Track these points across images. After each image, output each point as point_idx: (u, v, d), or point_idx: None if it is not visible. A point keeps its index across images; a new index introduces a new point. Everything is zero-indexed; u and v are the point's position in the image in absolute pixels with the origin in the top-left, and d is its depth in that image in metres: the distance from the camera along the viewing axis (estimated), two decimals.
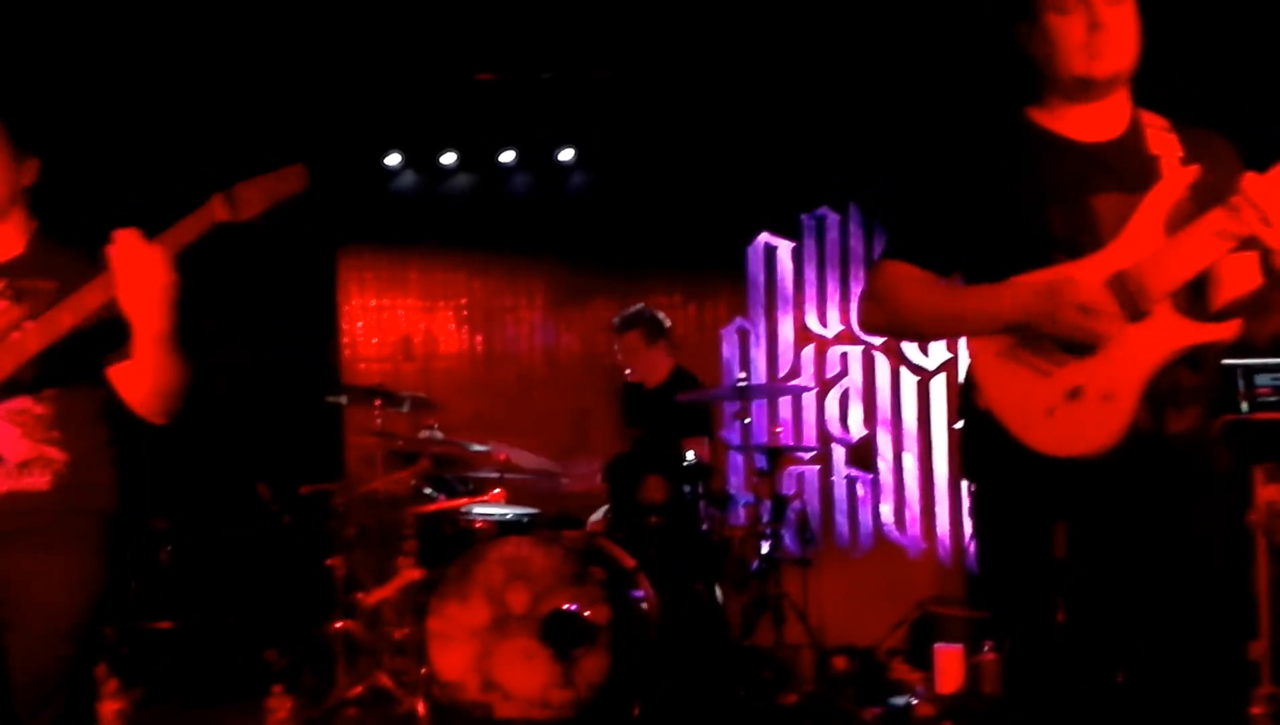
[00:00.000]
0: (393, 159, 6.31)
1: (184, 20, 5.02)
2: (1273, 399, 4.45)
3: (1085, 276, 2.23)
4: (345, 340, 6.35)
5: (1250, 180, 2.15)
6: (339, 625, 4.55)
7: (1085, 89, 2.32)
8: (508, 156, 6.29)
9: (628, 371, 5.47)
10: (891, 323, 2.52)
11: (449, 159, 6.31)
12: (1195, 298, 2.27)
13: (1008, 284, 2.28)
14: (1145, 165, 2.28)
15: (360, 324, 6.39)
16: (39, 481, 2.39)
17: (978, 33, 4.92)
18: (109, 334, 2.37)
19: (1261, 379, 4.47)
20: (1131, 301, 2.21)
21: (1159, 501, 2.24)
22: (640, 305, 5.49)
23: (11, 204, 2.51)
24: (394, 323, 6.39)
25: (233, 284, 5.87)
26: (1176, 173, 2.27)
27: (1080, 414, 2.21)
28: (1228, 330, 2.23)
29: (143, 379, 2.39)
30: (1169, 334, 2.21)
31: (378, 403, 5.01)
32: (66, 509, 2.40)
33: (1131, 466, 2.20)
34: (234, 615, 4.73)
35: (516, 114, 6.10)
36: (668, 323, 5.48)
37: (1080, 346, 2.23)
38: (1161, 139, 2.32)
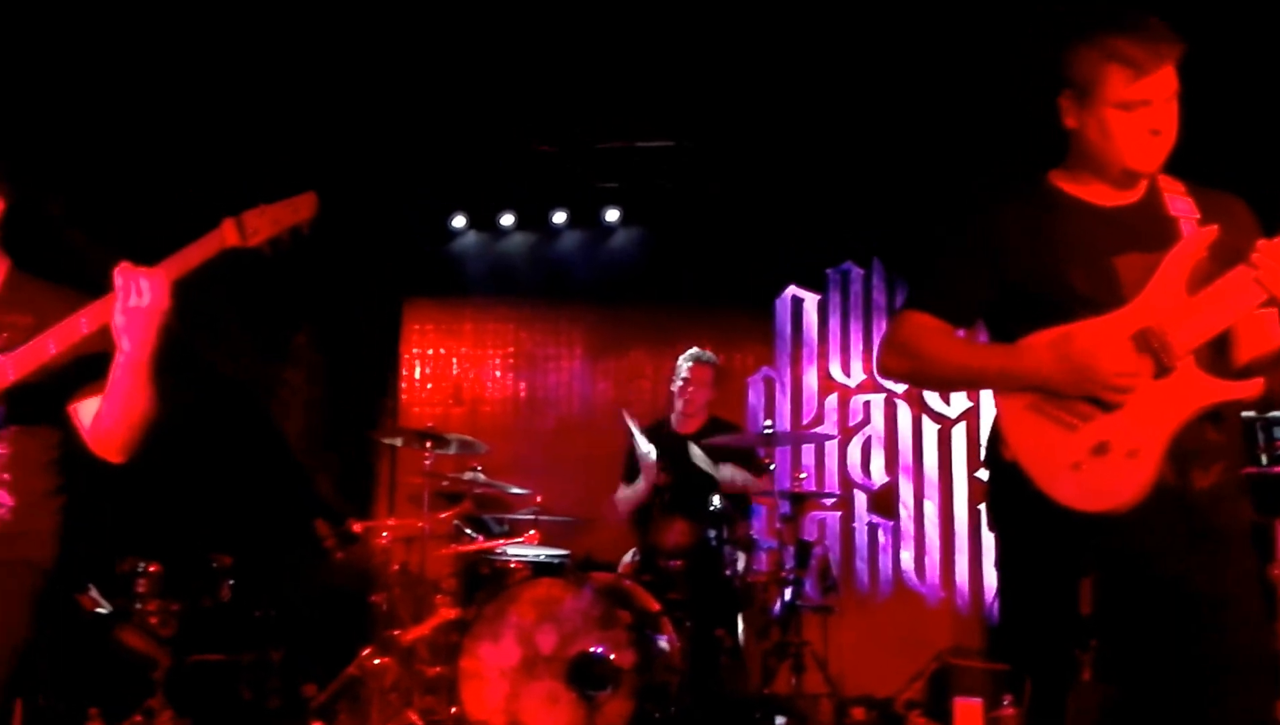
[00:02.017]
0: (458, 220, 6.33)
1: (273, 90, 5.01)
2: None
3: (1108, 334, 2.08)
4: (403, 385, 6.28)
5: (1263, 245, 2.03)
6: (375, 662, 4.38)
7: (1129, 179, 2.20)
8: (560, 217, 6.24)
9: (683, 402, 5.13)
10: (911, 372, 2.36)
11: (507, 220, 6.31)
12: (1218, 355, 2.12)
13: (1024, 346, 2.14)
14: (1165, 226, 2.15)
15: (418, 370, 6.32)
16: None
17: (1005, 96, 4.84)
18: (80, 373, 2.19)
19: None
20: (1156, 358, 2.07)
21: (1184, 558, 2.08)
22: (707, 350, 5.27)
23: None
24: (447, 369, 6.31)
25: (307, 331, 5.86)
26: (1196, 233, 2.13)
27: (1106, 469, 2.07)
28: (1251, 387, 2.09)
29: (114, 409, 2.17)
30: (1193, 391, 2.08)
31: (428, 444, 4.87)
32: (3, 560, 2.17)
33: (1156, 522, 2.06)
34: (281, 649, 4.59)
35: (569, 179, 6.13)
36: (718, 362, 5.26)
37: (1105, 402, 2.09)
38: (1179, 201, 2.18)
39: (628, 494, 5.07)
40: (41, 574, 2.23)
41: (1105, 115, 2.15)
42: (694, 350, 5.21)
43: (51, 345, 2.12)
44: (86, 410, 2.25)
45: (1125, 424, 2.09)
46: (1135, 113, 2.12)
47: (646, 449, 4.87)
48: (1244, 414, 2.24)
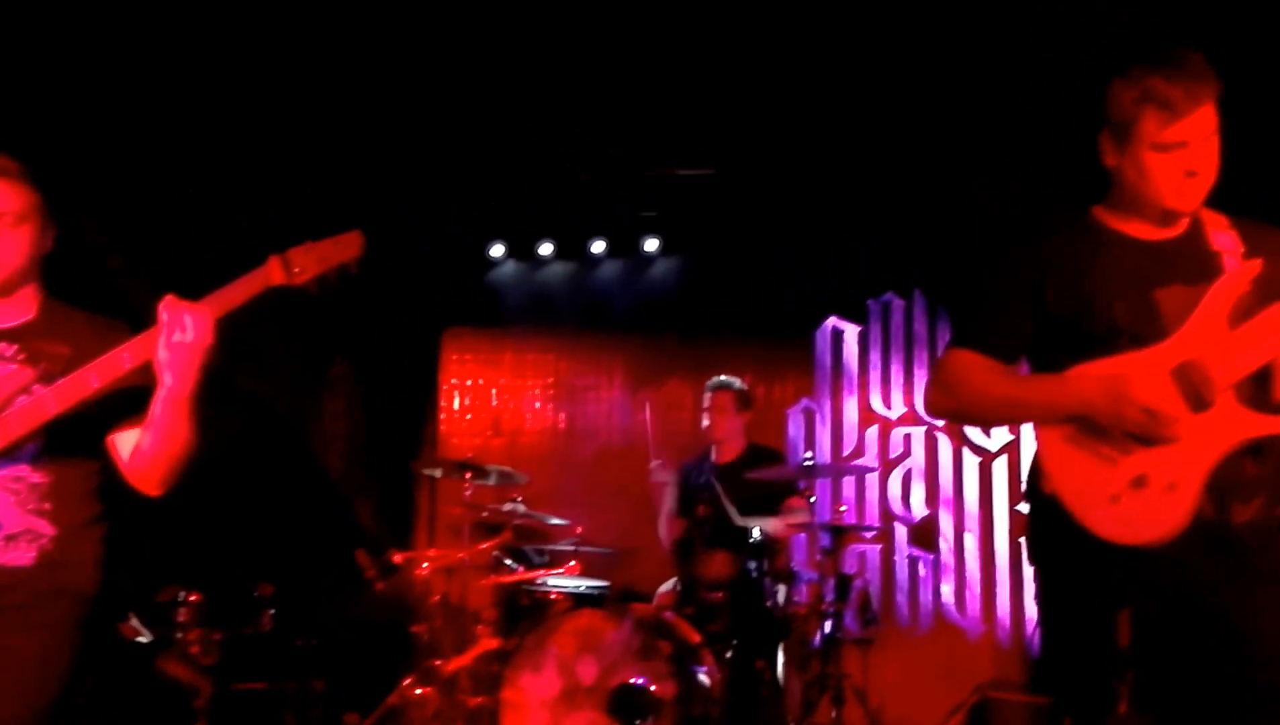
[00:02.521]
0: (496, 249, 6.30)
1: (308, 117, 5.04)
2: None
3: (1149, 368, 2.07)
4: (443, 416, 6.26)
5: None
6: (417, 692, 4.33)
7: (1169, 217, 2.19)
8: (599, 246, 6.22)
9: (706, 431, 5.09)
10: (957, 409, 2.39)
11: (546, 249, 6.28)
12: (1259, 389, 2.09)
13: (1071, 376, 2.14)
14: (1207, 260, 2.15)
15: (457, 401, 6.29)
16: (24, 557, 2.15)
17: (1049, 129, 4.79)
18: (120, 404, 2.17)
19: None
20: (1196, 392, 2.06)
21: (1222, 592, 2.06)
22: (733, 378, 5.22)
23: (32, 271, 2.30)
24: (486, 400, 6.28)
25: (346, 360, 5.87)
26: (1240, 267, 2.12)
27: (1145, 502, 2.07)
28: None
29: (154, 444, 2.16)
30: (1233, 425, 2.06)
31: (468, 475, 4.84)
32: (47, 589, 2.17)
33: (1195, 556, 2.06)
34: (323, 678, 4.55)
35: (608, 208, 6.10)
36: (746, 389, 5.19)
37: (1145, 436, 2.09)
38: (1223, 235, 2.17)
39: (661, 517, 5.05)
40: (84, 602, 2.23)
41: (1142, 156, 2.14)
42: (716, 378, 5.16)
43: (94, 379, 2.10)
44: (125, 442, 2.24)
45: (1165, 457, 2.08)
46: (1172, 154, 2.11)
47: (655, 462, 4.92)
48: None
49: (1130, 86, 2.13)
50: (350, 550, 4.97)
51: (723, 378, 5.17)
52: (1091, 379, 2.11)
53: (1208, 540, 2.06)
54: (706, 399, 5.11)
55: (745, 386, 5.19)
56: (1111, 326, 2.13)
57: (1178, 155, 2.10)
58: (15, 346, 2.24)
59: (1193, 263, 2.14)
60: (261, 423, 5.27)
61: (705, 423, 5.09)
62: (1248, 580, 2.06)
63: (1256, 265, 2.10)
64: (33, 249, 2.28)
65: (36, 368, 2.19)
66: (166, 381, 2.10)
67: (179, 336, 2.06)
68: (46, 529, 2.18)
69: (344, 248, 2.12)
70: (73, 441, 2.21)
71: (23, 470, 2.18)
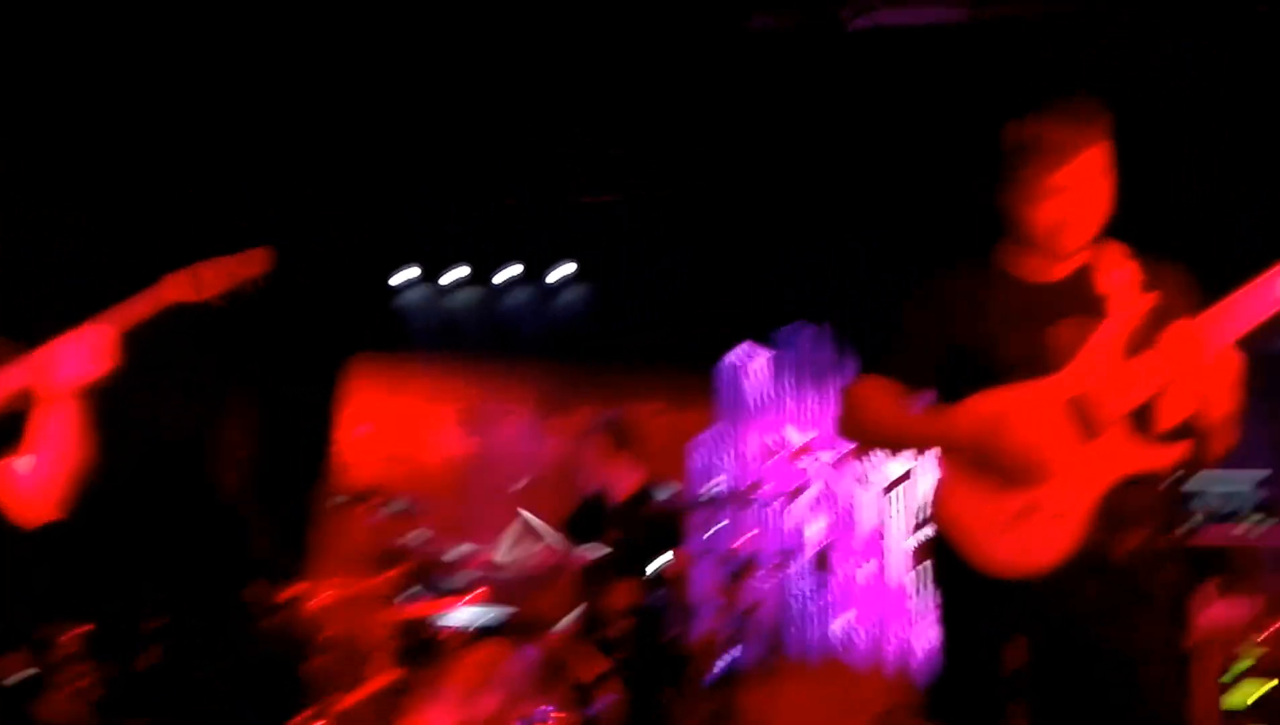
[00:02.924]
0: (404, 274, 6.18)
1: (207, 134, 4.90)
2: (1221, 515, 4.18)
3: (1042, 400, 2.13)
4: (344, 443, 6.10)
5: (1173, 329, 2.06)
6: None
7: (1056, 256, 2.25)
8: (508, 272, 6.15)
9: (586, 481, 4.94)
10: (858, 435, 2.44)
11: (455, 274, 6.19)
12: (1146, 422, 2.15)
13: (959, 410, 2.19)
14: (1095, 299, 2.20)
15: (361, 427, 6.15)
16: None
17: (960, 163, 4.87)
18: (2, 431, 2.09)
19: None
20: (1085, 423, 2.11)
21: (1107, 620, 2.11)
22: (609, 413, 5.08)
23: None
24: (391, 426, 6.15)
25: (245, 385, 5.69)
26: (1131, 302, 2.16)
27: (1032, 531, 2.12)
28: (1175, 453, 2.13)
29: (49, 467, 2.06)
30: (1120, 456, 2.12)
31: (373, 502, 4.74)
32: None
33: (1082, 585, 2.11)
34: (214, 715, 4.39)
35: (518, 233, 6.03)
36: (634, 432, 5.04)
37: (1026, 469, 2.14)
38: (1117, 271, 2.21)
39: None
40: None
41: (1027, 199, 2.20)
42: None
43: None
44: (14, 468, 2.12)
45: (1053, 487, 2.12)
46: (1055, 198, 2.16)
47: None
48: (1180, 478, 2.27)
49: (1018, 130, 2.19)
50: (245, 582, 4.82)
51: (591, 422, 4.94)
52: (974, 414, 2.16)
53: (1094, 569, 2.10)
54: (581, 450, 4.91)
55: (621, 419, 4.91)
56: (1002, 361, 2.18)
57: (1061, 199, 2.14)
58: None
59: (1083, 300, 2.19)
60: (154, 449, 5.09)
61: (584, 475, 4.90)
62: (1132, 608, 2.10)
63: (1149, 299, 2.15)
64: None
65: None
66: (58, 400, 2.03)
67: (79, 350, 2.02)
68: None
69: (250, 263, 2.14)
70: None
71: None
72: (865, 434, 2.39)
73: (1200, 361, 2.03)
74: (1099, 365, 2.13)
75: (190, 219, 4.97)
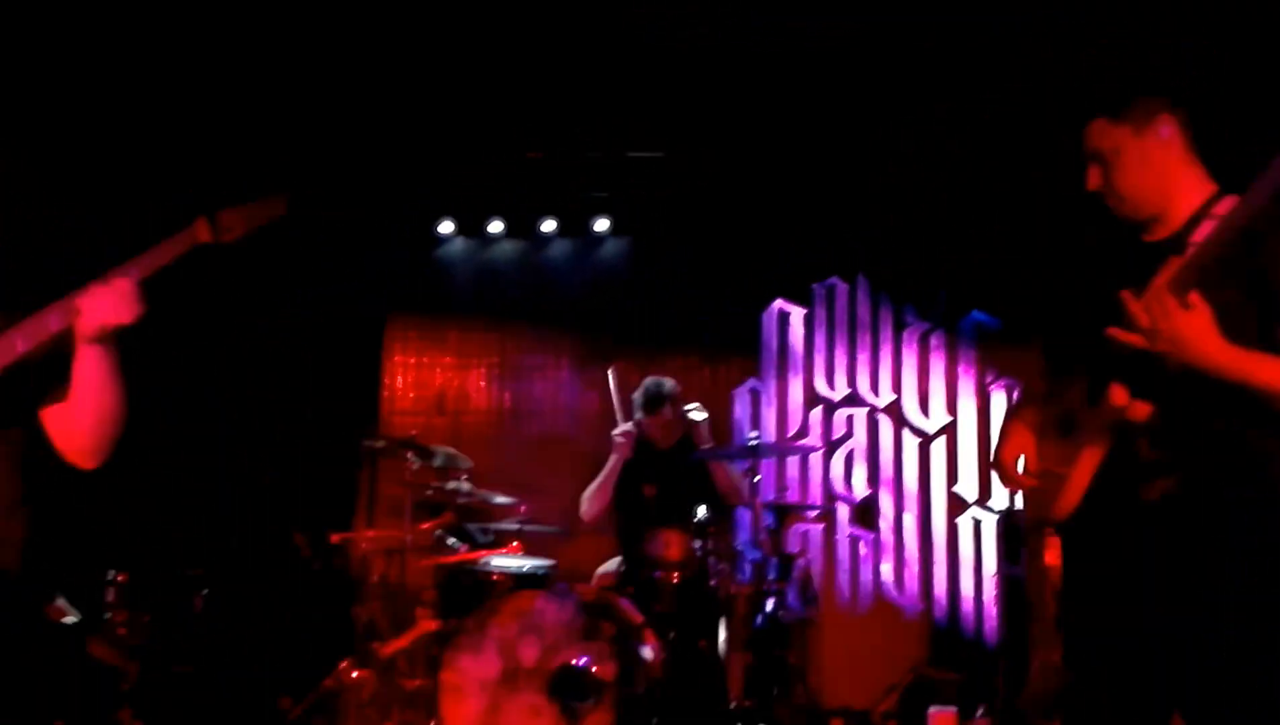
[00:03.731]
0: (445, 226, 6.09)
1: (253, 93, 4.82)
2: None
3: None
4: (385, 394, 6.05)
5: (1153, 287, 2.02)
6: (354, 675, 4.16)
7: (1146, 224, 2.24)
8: (548, 226, 6.04)
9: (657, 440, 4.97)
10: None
11: (495, 227, 6.08)
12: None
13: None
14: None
15: (400, 380, 6.10)
16: None
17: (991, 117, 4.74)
18: (48, 372, 2.06)
19: None
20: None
21: (1126, 565, 2.16)
22: (655, 381, 5.00)
23: None
24: (430, 378, 6.09)
25: (286, 338, 5.65)
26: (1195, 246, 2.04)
27: (1051, 483, 2.23)
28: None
29: (83, 413, 2.06)
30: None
31: (410, 454, 4.68)
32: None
33: (1104, 532, 2.19)
34: (257, 661, 4.37)
35: (559, 187, 5.93)
36: (678, 387, 5.04)
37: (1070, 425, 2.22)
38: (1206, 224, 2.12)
39: (594, 485, 4.89)
40: (10, 583, 2.08)
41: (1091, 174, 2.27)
42: (638, 401, 4.92)
43: (19, 343, 2.01)
44: (57, 414, 2.11)
45: (1073, 441, 2.20)
46: (1091, 170, 2.25)
47: (621, 426, 4.77)
48: None
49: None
50: (288, 530, 4.79)
51: (649, 394, 4.91)
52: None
53: (1112, 518, 2.14)
54: (646, 421, 4.91)
55: (669, 386, 4.96)
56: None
57: (1094, 171, 2.21)
58: None
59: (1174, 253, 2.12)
60: (199, 400, 5.05)
61: (666, 418, 4.91)
62: (1153, 556, 2.08)
63: (1200, 249, 2.00)
64: None
65: None
66: (91, 344, 2.02)
67: (106, 297, 2.00)
68: None
69: (271, 207, 2.15)
70: (3, 413, 2.10)
71: None
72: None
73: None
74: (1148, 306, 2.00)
75: (225, 176, 4.92)
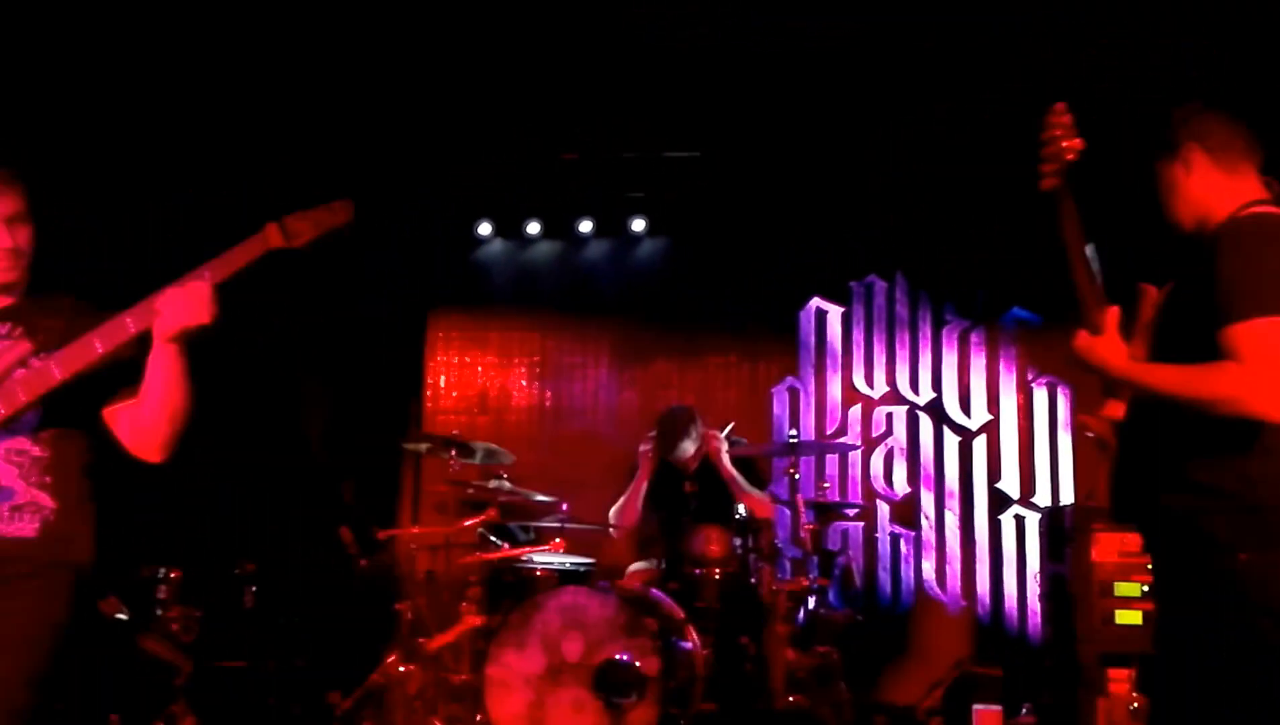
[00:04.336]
0: (484, 228, 6.12)
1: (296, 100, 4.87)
2: None
3: None
4: (428, 393, 6.09)
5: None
6: (401, 669, 4.19)
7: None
8: (585, 226, 6.05)
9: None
10: None
11: (533, 228, 6.10)
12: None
13: None
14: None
15: (443, 379, 6.13)
16: (28, 528, 2.14)
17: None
18: (111, 379, 2.18)
19: None
20: None
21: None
22: (668, 417, 4.99)
23: (27, 268, 2.29)
24: (472, 377, 6.12)
25: (329, 339, 5.69)
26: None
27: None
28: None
29: (151, 412, 2.16)
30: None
31: (453, 452, 4.70)
32: (48, 561, 2.14)
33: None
34: (305, 656, 4.40)
35: (595, 188, 5.94)
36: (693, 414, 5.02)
37: None
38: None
39: (622, 499, 4.90)
40: (80, 576, 2.19)
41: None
42: (664, 436, 4.90)
43: (98, 345, 2.11)
44: (123, 412, 2.23)
45: None
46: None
47: (644, 443, 4.84)
48: None
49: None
50: (334, 527, 4.82)
51: (670, 430, 4.90)
52: None
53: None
54: (689, 448, 4.90)
55: (685, 413, 4.98)
56: None
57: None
58: (8, 325, 2.25)
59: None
60: (246, 399, 5.10)
61: (688, 454, 4.90)
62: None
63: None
64: (29, 248, 2.29)
65: (34, 340, 2.18)
66: (167, 344, 2.11)
67: (184, 300, 2.09)
68: (48, 502, 2.17)
69: (336, 213, 2.20)
70: (69, 415, 2.21)
71: (24, 443, 2.17)
72: None
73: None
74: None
75: (275, 183, 4.96)
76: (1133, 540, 3.81)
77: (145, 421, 2.18)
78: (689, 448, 4.91)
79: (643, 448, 4.99)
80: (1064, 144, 2.34)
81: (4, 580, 2.10)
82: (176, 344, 2.12)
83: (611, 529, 4.97)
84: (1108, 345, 2.23)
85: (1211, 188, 2.31)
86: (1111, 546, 4.07)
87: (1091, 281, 2.30)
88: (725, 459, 4.90)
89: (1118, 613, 4.03)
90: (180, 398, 2.16)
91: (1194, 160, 2.33)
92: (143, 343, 2.14)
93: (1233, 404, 2.00)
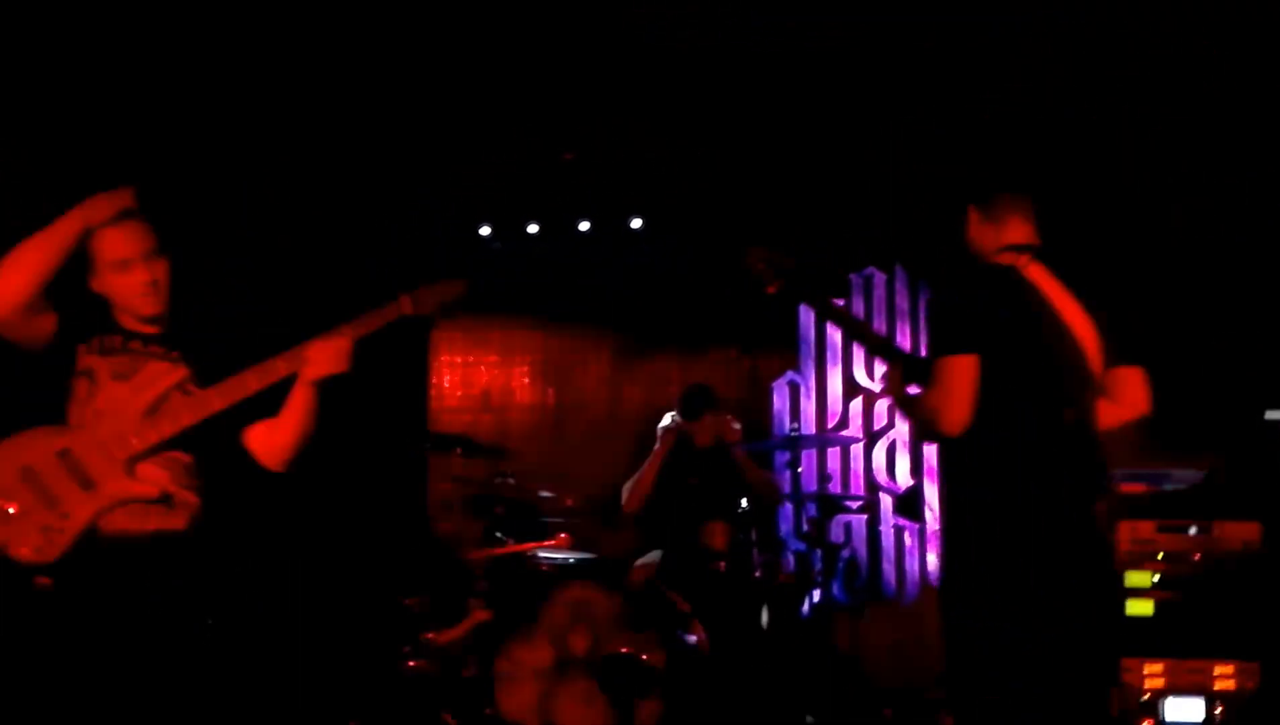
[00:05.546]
0: (484, 229, 6.13)
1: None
2: None
3: None
4: (433, 393, 6.12)
5: None
6: (411, 664, 4.21)
7: None
8: (584, 225, 6.07)
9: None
10: None
11: (533, 228, 6.11)
12: None
13: None
14: None
15: (446, 378, 6.16)
16: (180, 521, 2.54)
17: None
18: (257, 404, 2.56)
19: None
20: None
21: None
22: (697, 387, 4.99)
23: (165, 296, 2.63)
24: (476, 377, 6.14)
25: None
26: None
27: None
28: None
29: (287, 435, 2.58)
30: None
31: (458, 450, 4.72)
32: (195, 550, 2.55)
33: None
34: (316, 650, 4.41)
35: (593, 187, 5.92)
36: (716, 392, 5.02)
37: None
38: None
39: (636, 475, 4.90)
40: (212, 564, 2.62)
41: None
42: (681, 410, 4.89)
43: (253, 382, 2.52)
44: (259, 432, 2.63)
45: None
46: None
47: (666, 419, 4.83)
48: None
49: None
50: (341, 521, 4.83)
51: (691, 401, 4.88)
52: None
53: None
54: (692, 426, 4.88)
55: (706, 388, 4.97)
56: None
57: None
58: (162, 349, 2.61)
59: None
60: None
61: (707, 425, 4.89)
62: None
63: None
64: (167, 280, 2.62)
65: (191, 367, 2.58)
66: (310, 385, 2.55)
67: (329, 351, 2.54)
68: (193, 500, 2.58)
69: (453, 288, 2.77)
70: (220, 430, 2.58)
71: (176, 452, 2.56)
72: None
73: None
74: None
75: (280, 187, 4.98)
76: (1144, 527, 3.79)
77: (281, 441, 2.60)
78: (709, 420, 4.89)
79: (663, 423, 4.92)
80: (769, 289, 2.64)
81: (161, 565, 2.47)
82: (316, 386, 2.55)
83: (624, 502, 4.93)
84: None
85: None
86: (1122, 535, 4.04)
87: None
88: (737, 434, 4.89)
89: (1128, 603, 3.99)
90: (311, 425, 2.61)
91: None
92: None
93: None
